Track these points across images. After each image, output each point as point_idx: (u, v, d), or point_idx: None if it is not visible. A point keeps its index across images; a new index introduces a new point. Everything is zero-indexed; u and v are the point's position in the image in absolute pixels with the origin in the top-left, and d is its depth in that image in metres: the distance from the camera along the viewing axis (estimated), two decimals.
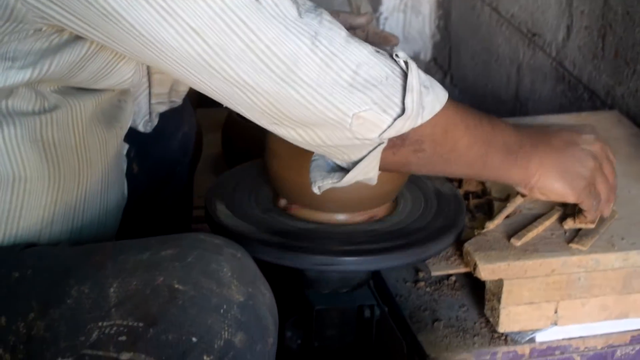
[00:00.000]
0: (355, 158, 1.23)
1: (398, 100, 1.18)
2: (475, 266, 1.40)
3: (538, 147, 1.34)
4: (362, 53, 1.16)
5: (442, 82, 3.06)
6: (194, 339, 1.09)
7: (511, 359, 1.45)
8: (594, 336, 1.48)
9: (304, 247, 1.38)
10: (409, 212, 1.49)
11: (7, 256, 1.20)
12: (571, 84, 2.23)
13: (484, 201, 1.58)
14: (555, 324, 1.45)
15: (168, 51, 1.11)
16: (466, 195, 1.60)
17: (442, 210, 1.49)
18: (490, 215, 1.52)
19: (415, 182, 1.53)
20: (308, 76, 1.13)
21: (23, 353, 1.12)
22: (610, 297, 1.45)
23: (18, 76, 1.17)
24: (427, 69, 3.17)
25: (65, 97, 1.24)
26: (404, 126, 1.19)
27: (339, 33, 1.15)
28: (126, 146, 1.49)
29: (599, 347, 1.49)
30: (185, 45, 1.09)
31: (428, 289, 1.56)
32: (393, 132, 1.19)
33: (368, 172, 1.25)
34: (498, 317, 1.43)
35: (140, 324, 1.09)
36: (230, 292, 1.13)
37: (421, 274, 1.59)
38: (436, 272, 1.47)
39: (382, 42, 1.63)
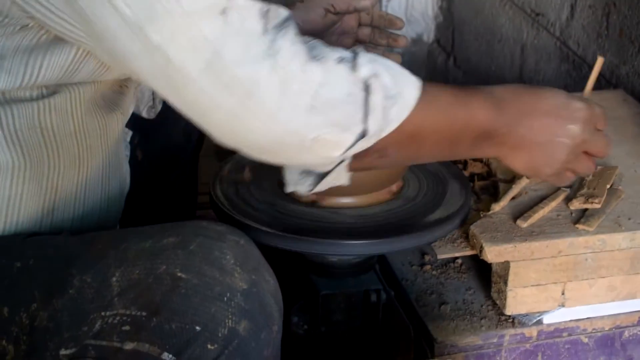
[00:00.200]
0: (321, 171, 1.21)
1: (359, 121, 1.13)
2: (481, 248, 1.39)
3: (513, 133, 1.25)
4: (323, 72, 1.10)
5: (445, 64, 3.05)
6: (198, 328, 1.09)
7: (519, 342, 1.44)
8: (602, 317, 1.48)
9: (310, 232, 1.37)
10: (414, 195, 1.48)
11: (8, 246, 1.19)
12: (575, 63, 2.21)
13: (490, 183, 1.57)
14: (563, 305, 1.44)
15: (133, 63, 1.09)
16: (471, 177, 1.59)
17: (447, 192, 1.48)
18: (495, 197, 1.51)
19: (420, 165, 1.52)
20: (267, 100, 1.08)
21: (26, 344, 1.12)
22: (618, 277, 1.44)
23: (9, 81, 1.16)
24: (430, 50, 3.16)
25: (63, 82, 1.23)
26: (367, 143, 1.15)
27: (302, 50, 1.09)
28: (129, 133, 1.48)
29: (606, 328, 1.48)
30: (148, 60, 1.07)
31: (434, 273, 1.56)
32: (356, 150, 1.16)
33: (339, 180, 1.22)
34: (505, 299, 1.42)
35: (144, 313, 1.09)
36: (234, 279, 1.12)
37: (427, 258, 1.58)
38: (442, 255, 1.46)
39: (387, 25, 1.62)
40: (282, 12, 1.10)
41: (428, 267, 1.57)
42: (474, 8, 2.81)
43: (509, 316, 1.45)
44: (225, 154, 1.86)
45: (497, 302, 1.45)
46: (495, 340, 1.43)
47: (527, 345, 1.45)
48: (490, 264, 1.43)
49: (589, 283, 1.44)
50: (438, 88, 1.22)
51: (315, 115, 1.10)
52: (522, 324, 1.45)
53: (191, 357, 1.08)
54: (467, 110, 1.23)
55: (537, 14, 2.39)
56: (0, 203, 1.21)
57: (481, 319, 1.46)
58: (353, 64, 1.12)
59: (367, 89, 1.12)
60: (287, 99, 1.08)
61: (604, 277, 1.44)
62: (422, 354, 1.44)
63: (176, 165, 1.71)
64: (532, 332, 1.45)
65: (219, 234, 1.16)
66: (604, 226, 1.43)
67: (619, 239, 1.42)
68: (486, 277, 1.48)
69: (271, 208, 1.43)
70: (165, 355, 1.07)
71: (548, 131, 1.27)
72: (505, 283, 1.41)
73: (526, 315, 1.45)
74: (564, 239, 1.40)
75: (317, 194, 1.42)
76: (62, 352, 1.09)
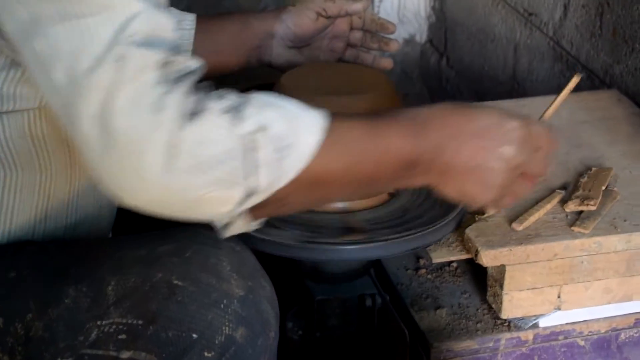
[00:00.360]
0: (220, 224, 1.12)
1: (244, 178, 1.04)
2: (477, 252, 1.38)
3: (439, 159, 1.15)
4: (203, 128, 1.02)
5: (438, 64, 3.05)
6: (195, 335, 1.09)
7: (515, 345, 1.44)
8: (598, 320, 1.48)
9: (303, 237, 1.37)
10: (409, 199, 1.47)
11: (2, 256, 1.18)
12: (569, 63, 2.21)
13: None
14: (559, 308, 1.44)
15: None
16: None
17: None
18: None
19: None
20: (148, 157, 1.01)
21: (22, 355, 1.11)
22: (614, 280, 1.44)
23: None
24: (422, 50, 3.15)
25: None
26: (259, 198, 1.06)
27: (189, 105, 1.02)
28: None
29: (602, 331, 1.48)
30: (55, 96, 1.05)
31: (429, 276, 1.55)
32: (249, 205, 1.07)
33: (246, 228, 1.12)
34: (501, 303, 1.42)
35: (140, 322, 1.09)
36: (230, 286, 1.12)
37: (422, 262, 1.58)
38: (437, 259, 1.46)
39: (378, 29, 1.62)
40: (190, 63, 1.05)
41: (423, 271, 1.56)
42: (466, 8, 2.81)
43: (505, 320, 1.44)
44: None
45: (493, 305, 1.45)
46: (491, 344, 1.43)
47: (524, 349, 1.45)
48: (486, 268, 1.43)
49: (585, 286, 1.43)
50: (348, 123, 1.13)
51: (197, 175, 1.02)
52: (518, 328, 1.44)
53: None
54: (382, 142, 1.13)
55: (530, 14, 2.39)
56: None
57: (477, 322, 1.45)
58: (238, 117, 1.04)
59: (252, 144, 1.04)
60: (167, 158, 1.01)
61: (599, 280, 1.44)
62: (418, 358, 1.44)
63: None
64: (528, 335, 1.45)
65: (215, 241, 1.15)
66: (599, 228, 1.42)
67: (614, 241, 1.42)
68: (481, 280, 1.47)
69: None
70: None
71: (479, 155, 1.16)
72: (501, 287, 1.41)
73: (522, 318, 1.44)
74: (559, 241, 1.40)
75: None
76: None
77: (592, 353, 1.49)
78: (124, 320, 1.09)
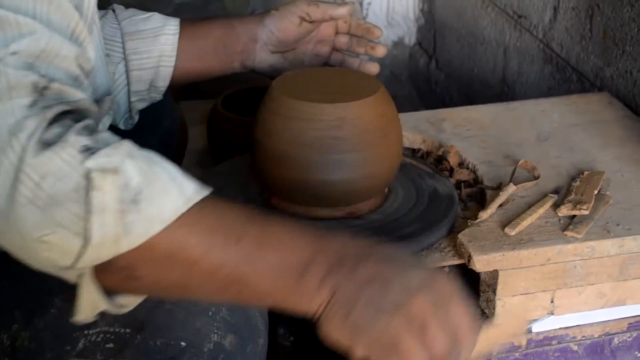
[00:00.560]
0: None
1: (79, 220, 0.91)
2: (469, 257, 1.37)
3: (334, 272, 0.99)
4: (53, 160, 0.91)
5: (427, 67, 3.04)
6: (183, 344, 1.08)
7: (508, 351, 1.43)
8: (591, 324, 1.47)
9: None
10: (400, 204, 1.46)
11: None
12: (559, 65, 2.20)
13: (476, 190, 1.56)
14: (552, 313, 1.43)
15: None
16: (458, 184, 1.58)
17: (433, 200, 1.47)
18: (483, 204, 1.50)
19: (406, 174, 1.51)
20: None
21: None
22: (607, 284, 1.43)
23: None
24: (411, 53, 3.15)
25: None
26: (98, 254, 0.93)
27: (44, 132, 0.92)
28: None
29: (596, 335, 1.47)
30: None
31: None
32: (90, 261, 0.93)
33: (99, 304, 0.98)
34: (494, 308, 1.40)
35: (128, 330, 1.07)
36: None
37: None
38: (430, 264, 1.44)
39: (364, 33, 1.60)
40: (73, 94, 0.97)
41: None
42: (455, 10, 2.80)
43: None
44: (209, 165, 1.85)
45: (486, 311, 1.43)
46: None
47: (517, 354, 1.44)
48: (479, 273, 1.41)
49: (578, 290, 1.42)
50: (224, 205, 1.00)
51: (35, 212, 0.91)
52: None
53: None
54: (264, 226, 1.00)
55: (520, 16, 2.38)
56: None
57: None
58: (91, 154, 0.92)
59: (94, 182, 0.91)
60: (12, 183, 0.91)
61: (593, 284, 1.42)
62: None
63: None
64: (522, 340, 1.44)
65: None
66: (592, 233, 1.41)
67: (607, 246, 1.40)
68: (474, 285, 1.46)
69: None
70: None
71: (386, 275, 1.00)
72: (494, 292, 1.39)
73: None
74: (552, 246, 1.38)
75: (295, 203, 1.40)
76: None
77: (586, 358, 1.48)
78: (112, 329, 1.08)
